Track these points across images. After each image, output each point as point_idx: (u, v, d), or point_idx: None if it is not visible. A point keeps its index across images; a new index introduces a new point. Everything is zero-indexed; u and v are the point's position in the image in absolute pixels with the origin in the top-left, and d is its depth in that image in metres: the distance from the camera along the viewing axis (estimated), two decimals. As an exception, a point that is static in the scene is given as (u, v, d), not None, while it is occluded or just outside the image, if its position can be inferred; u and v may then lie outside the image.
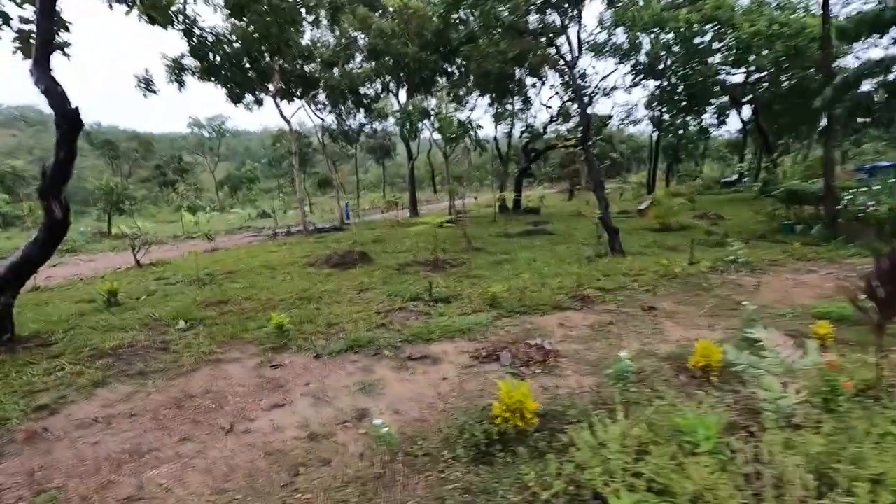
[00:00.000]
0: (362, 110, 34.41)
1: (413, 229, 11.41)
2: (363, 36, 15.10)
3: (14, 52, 6.43)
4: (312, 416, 3.89)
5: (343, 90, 14.63)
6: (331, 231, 18.10)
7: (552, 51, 10.70)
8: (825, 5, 10.14)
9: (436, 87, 16.43)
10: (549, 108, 21.69)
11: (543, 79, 19.61)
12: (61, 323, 6.75)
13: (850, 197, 10.00)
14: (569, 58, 10.95)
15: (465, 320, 6.07)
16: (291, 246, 14.39)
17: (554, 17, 10.60)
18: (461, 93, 16.66)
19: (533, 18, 11.10)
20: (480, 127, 13.96)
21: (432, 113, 14.68)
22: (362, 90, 16.79)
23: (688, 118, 32.42)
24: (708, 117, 34.94)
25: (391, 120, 42.61)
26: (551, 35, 10.90)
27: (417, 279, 8.80)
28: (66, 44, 6.81)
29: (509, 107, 21.36)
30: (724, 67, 22.61)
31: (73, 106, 5.23)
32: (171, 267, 11.40)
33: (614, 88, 24.61)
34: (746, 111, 30.46)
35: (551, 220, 19.43)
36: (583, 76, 20.61)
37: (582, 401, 3.74)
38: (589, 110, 27.24)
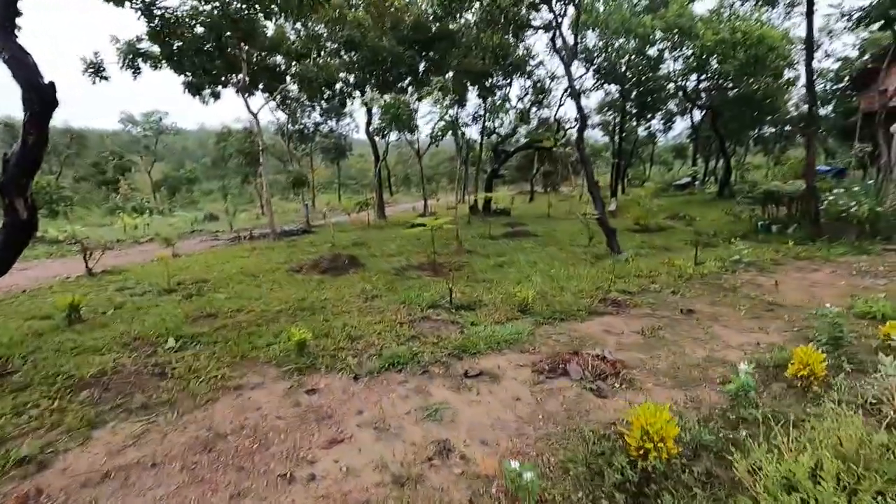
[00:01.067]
0: (318, 108, 33.08)
1: (409, 231, 10.73)
2: (337, 28, 14.22)
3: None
4: (386, 454, 3.24)
5: (320, 83, 13.67)
6: (299, 234, 16.98)
7: (554, 43, 10.39)
8: (809, 26, 10.49)
9: (418, 83, 15.77)
10: (517, 109, 21.60)
11: (516, 78, 19.44)
12: (15, 346, 5.57)
13: (832, 198, 10.40)
14: (563, 54, 10.73)
15: (504, 330, 5.55)
16: (262, 251, 13.25)
17: (558, 7, 10.33)
18: (438, 90, 16.14)
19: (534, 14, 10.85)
20: (468, 125, 13.50)
21: (414, 109, 14.06)
22: (337, 85, 15.79)
23: (636, 124, 33.68)
24: (655, 123, 36.52)
25: (349, 118, 41.26)
26: (553, 29, 10.62)
27: (423, 284, 8.18)
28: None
29: (483, 106, 21.06)
30: (682, 74, 23.50)
31: (45, 81, 4.24)
32: (130, 275, 10.06)
33: (582, 92, 24.89)
34: (697, 117, 31.95)
35: (525, 221, 19.29)
36: (553, 78, 20.77)
37: (712, 422, 3.31)
38: (553, 114, 27.59)
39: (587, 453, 3.01)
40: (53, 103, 4.27)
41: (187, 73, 12.87)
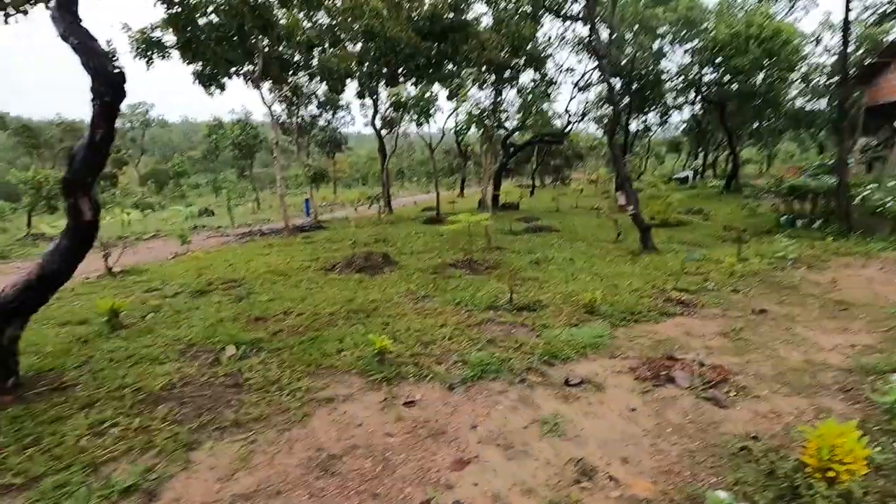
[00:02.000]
0: (315, 101, 32.48)
1: (447, 227, 10.43)
2: (352, 17, 13.77)
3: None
4: (524, 476, 3.01)
5: (341, 74, 13.20)
6: (311, 230, 16.57)
7: (590, 34, 10.16)
8: (846, 23, 10.37)
9: (432, 75, 15.37)
10: (528, 101, 21.29)
11: (528, 70, 19.15)
12: (63, 355, 5.20)
13: (867, 193, 10.37)
14: (598, 45, 10.50)
15: (582, 333, 5.34)
16: (281, 248, 12.85)
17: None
18: (457, 82, 15.79)
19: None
20: (494, 116, 13.20)
21: (434, 101, 13.72)
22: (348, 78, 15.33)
23: (633, 117, 33.64)
24: (652, 116, 36.53)
25: (345, 111, 40.72)
26: (591, 20, 10.34)
27: (468, 283, 7.93)
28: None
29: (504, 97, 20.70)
30: (691, 68, 23.44)
31: (117, 69, 3.88)
32: (154, 275, 9.63)
33: (589, 84, 24.72)
34: (697, 110, 31.99)
35: (537, 216, 19.10)
36: (567, 70, 20.48)
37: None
38: (565, 106, 27.29)
39: (759, 475, 2.81)
40: (123, 93, 3.92)
41: (200, 63, 12.34)
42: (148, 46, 11.16)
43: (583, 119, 34.37)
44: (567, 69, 24.13)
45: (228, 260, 11.00)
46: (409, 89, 20.07)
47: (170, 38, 11.27)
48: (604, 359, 4.77)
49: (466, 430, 3.54)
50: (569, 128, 26.42)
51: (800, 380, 4.17)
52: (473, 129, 15.35)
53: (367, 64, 14.83)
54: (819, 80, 32.19)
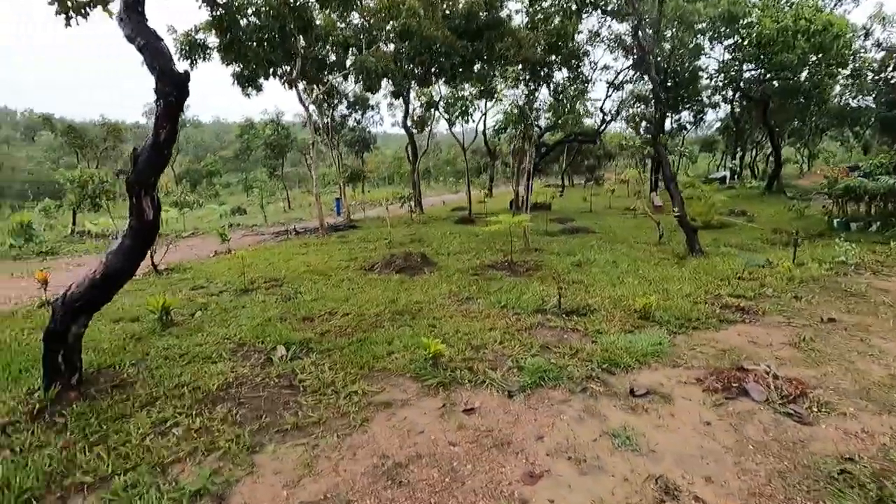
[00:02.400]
0: (345, 101, 32.78)
1: (486, 228, 10.28)
2: (388, 16, 13.77)
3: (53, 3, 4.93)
4: (601, 493, 2.85)
5: (378, 74, 13.22)
6: (345, 229, 16.66)
7: (636, 31, 9.83)
8: None
9: (466, 74, 15.27)
10: (563, 100, 20.93)
11: (562, 69, 18.80)
12: (119, 352, 5.29)
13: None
14: (645, 42, 10.18)
15: (639, 340, 5.13)
16: (318, 247, 12.94)
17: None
18: (491, 81, 15.64)
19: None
20: (538, 116, 12.98)
21: (473, 101, 13.57)
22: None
23: (667, 116, 32.68)
24: (686, 115, 35.46)
25: (374, 111, 40.97)
26: (637, 14, 10.04)
27: (511, 285, 7.77)
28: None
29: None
30: (733, 65, 22.64)
31: (181, 69, 3.89)
32: (197, 273, 9.80)
33: (624, 82, 24.18)
34: (735, 108, 30.93)
35: (571, 216, 18.76)
36: (603, 68, 20.04)
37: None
38: (601, 105, 26.81)
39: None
40: (187, 93, 3.92)
41: (240, 64, 12.53)
42: (192, 48, 11.40)
43: (616, 118, 33.71)
44: (602, 67, 23.63)
45: (267, 259, 11.12)
46: (441, 89, 20.02)
47: (213, 40, 11.50)
48: (666, 368, 4.56)
49: (533, 442, 3.41)
50: (603, 127, 25.88)
51: (887, 396, 3.88)
52: (509, 128, 15.14)
53: (401, 63, 14.81)
54: (867, 76, 30.70)
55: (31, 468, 3.16)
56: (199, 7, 9.84)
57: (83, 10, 5.05)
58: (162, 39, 3.86)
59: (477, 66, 15.75)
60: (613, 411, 3.79)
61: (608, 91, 23.42)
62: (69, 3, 4.93)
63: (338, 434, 3.55)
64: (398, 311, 6.62)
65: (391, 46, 14.34)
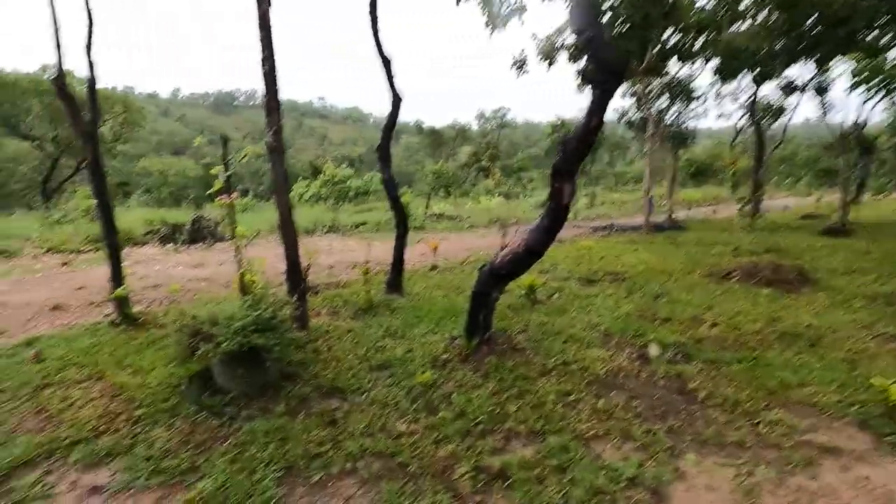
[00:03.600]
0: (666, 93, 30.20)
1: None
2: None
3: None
4: None
5: (747, 57, 11.54)
6: (671, 229, 15.41)
7: None
8: None
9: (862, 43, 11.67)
10: None
11: None
12: (502, 319, 5.98)
13: None
14: None
15: None
16: (647, 245, 12.33)
17: None
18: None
19: None
20: None
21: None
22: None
23: None
24: None
25: (698, 103, 36.72)
26: None
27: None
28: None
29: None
30: None
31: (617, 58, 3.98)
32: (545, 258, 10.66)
33: None
34: None
35: None
36: None
37: None
38: None
39: None
40: (621, 81, 3.96)
41: (590, 63, 12.84)
42: (552, 48, 12.28)
43: None
44: None
45: (599, 252, 11.15)
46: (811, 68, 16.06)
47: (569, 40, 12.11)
48: None
49: None
50: None
51: None
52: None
53: (770, 40, 12.37)
54: None
55: (476, 403, 3.79)
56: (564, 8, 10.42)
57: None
58: (604, 31, 3.98)
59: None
60: None
61: None
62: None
63: (774, 467, 3.00)
64: (785, 332, 5.46)
65: (755, 21, 12.08)
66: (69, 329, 5.92)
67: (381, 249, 9.44)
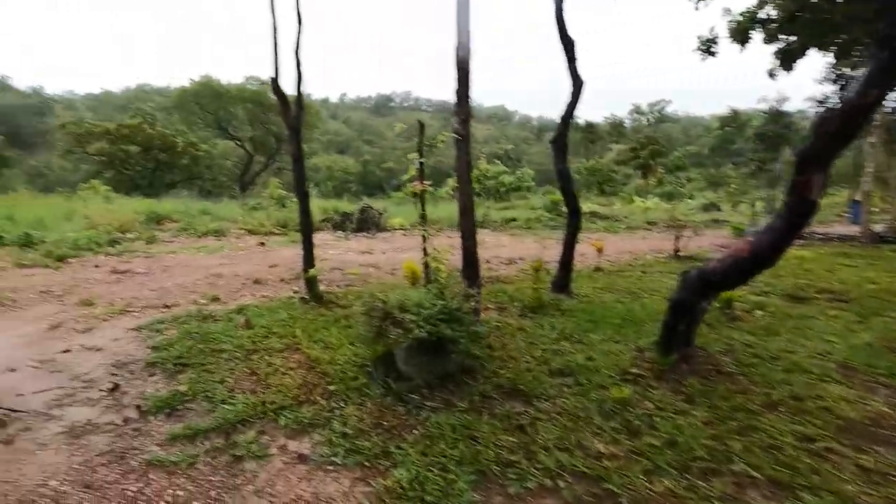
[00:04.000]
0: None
1: None
2: None
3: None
4: None
5: None
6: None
7: None
8: None
9: None
10: None
11: None
12: (704, 336, 5.18)
13: None
14: None
15: None
16: (869, 259, 9.96)
17: None
18: None
19: None
20: None
21: None
22: None
23: None
24: None
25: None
26: None
27: None
28: None
29: None
30: None
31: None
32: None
33: None
34: None
35: None
36: None
37: None
38: None
39: None
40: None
41: (793, 36, 10.72)
42: (750, 25, 10.48)
43: None
44: None
45: (800, 264, 9.30)
46: None
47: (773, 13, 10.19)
48: None
49: None
50: None
51: None
52: None
53: None
54: None
55: (687, 433, 3.19)
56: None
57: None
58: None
59: None
60: None
61: None
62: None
63: None
64: None
65: None
66: (270, 301, 6.65)
67: (535, 247, 9.08)
